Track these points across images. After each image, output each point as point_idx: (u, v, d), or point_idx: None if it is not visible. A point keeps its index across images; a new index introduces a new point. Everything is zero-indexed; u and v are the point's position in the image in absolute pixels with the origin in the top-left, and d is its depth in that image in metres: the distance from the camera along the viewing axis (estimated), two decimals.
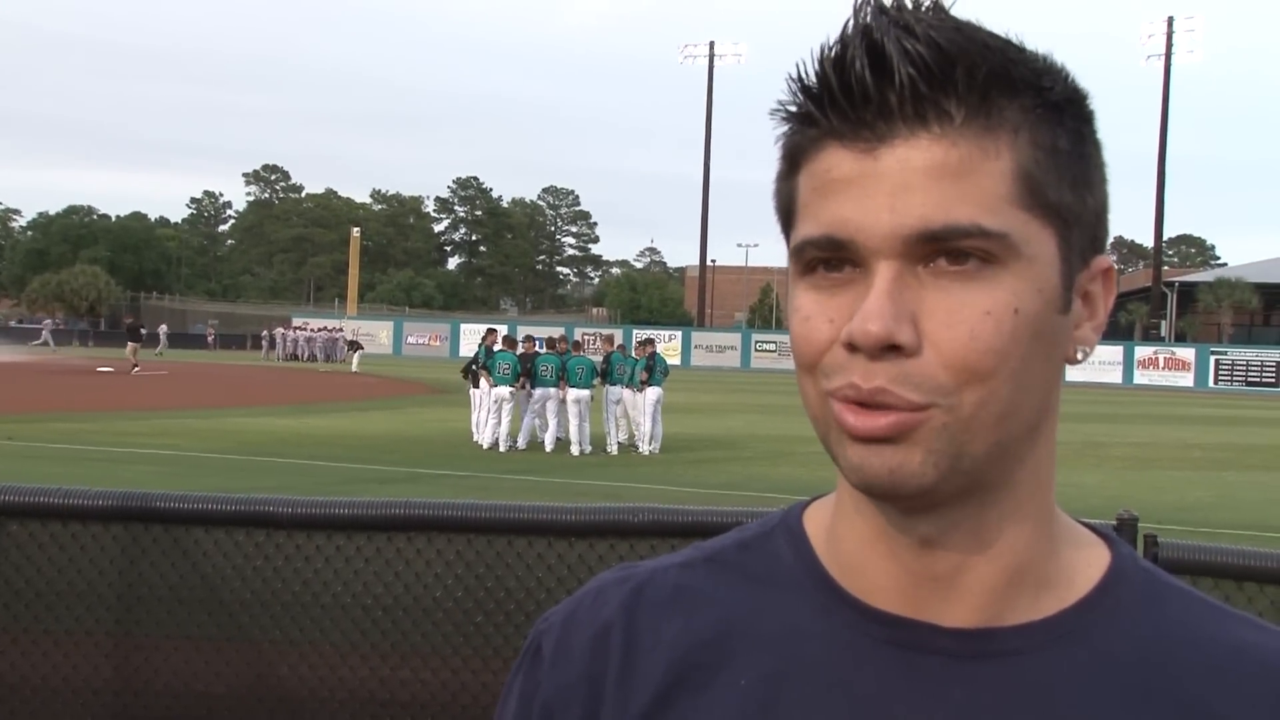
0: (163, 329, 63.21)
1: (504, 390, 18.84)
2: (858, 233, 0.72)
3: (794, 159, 0.77)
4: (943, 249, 0.71)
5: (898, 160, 0.72)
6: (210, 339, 75.32)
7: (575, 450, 18.92)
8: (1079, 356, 0.79)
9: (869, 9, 0.74)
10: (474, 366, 20.33)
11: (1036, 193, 0.73)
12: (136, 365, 40.64)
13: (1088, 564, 0.83)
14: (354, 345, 54.19)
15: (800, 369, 0.77)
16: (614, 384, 19.61)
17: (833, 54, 0.74)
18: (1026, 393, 0.74)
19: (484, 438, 19.16)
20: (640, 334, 38.32)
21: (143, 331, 44.93)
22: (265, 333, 67.88)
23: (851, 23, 0.74)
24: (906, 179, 0.71)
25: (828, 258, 0.74)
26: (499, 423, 19.01)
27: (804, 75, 0.75)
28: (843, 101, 0.73)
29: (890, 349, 0.71)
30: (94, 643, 2.95)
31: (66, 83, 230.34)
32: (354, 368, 49.18)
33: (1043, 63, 0.75)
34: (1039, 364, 0.75)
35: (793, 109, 0.77)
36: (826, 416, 0.75)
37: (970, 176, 0.71)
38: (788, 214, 0.79)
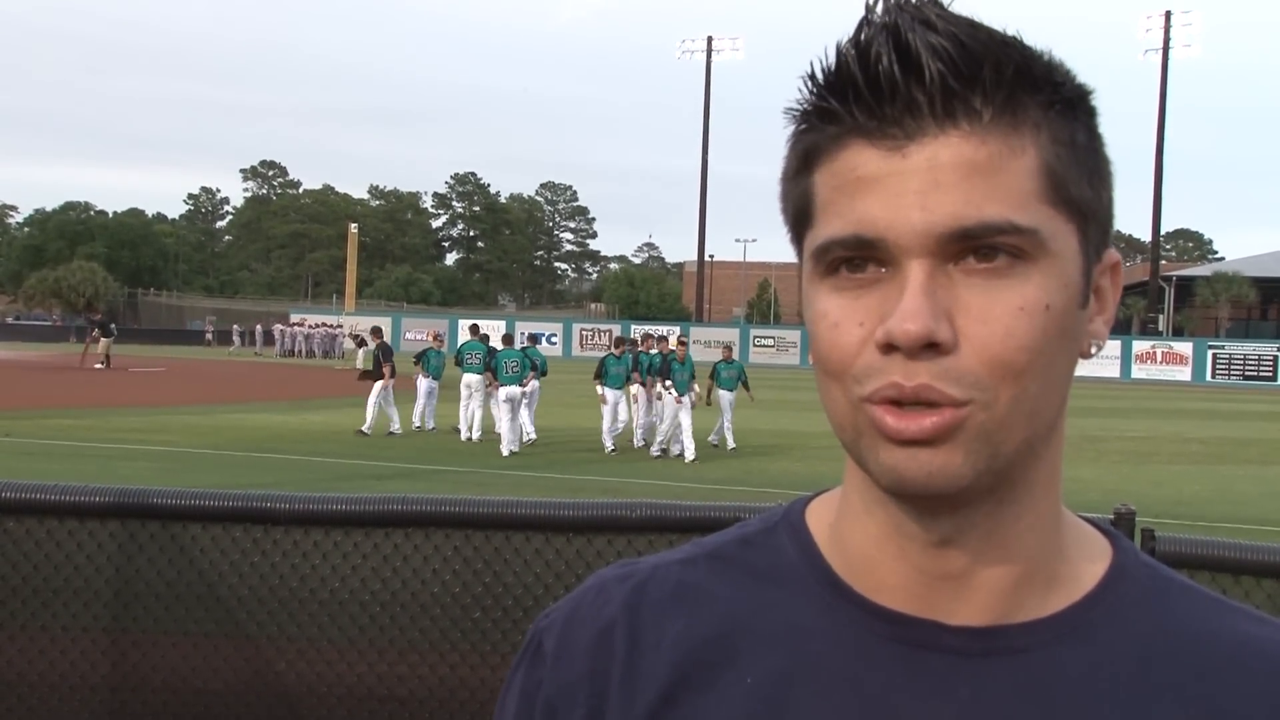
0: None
1: (514, 390, 18.31)
2: (888, 231, 0.71)
3: (809, 157, 0.76)
4: (973, 246, 0.71)
5: (927, 158, 0.71)
6: (209, 336, 75.25)
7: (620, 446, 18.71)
8: (1092, 350, 0.79)
9: (885, 4, 0.73)
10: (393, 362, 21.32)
11: (1060, 188, 0.73)
12: (101, 362, 39.98)
13: (1092, 560, 0.83)
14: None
15: (827, 376, 0.75)
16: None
17: (854, 50, 0.72)
18: (1053, 389, 0.75)
19: (504, 441, 18.43)
20: (638, 329, 38.34)
21: (113, 327, 44.39)
22: (229, 326, 68.88)
23: (869, 18, 0.73)
24: (937, 177, 0.71)
25: (852, 257, 0.73)
26: (509, 423, 18.27)
27: (822, 72, 0.74)
28: (869, 97, 0.72)
29: (929, 347, 0.70)
30: (90, 639, 2.94)
31: (63, 79, 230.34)
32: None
33: (1051, 59, 0.75)
34: (1063, 360, 0.75)
35: (810, 106, 0.75)
36: (857, 422, 0.74)
37: (999, 174, 0.71)
38: (802, 214, 0.77)
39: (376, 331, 22.45)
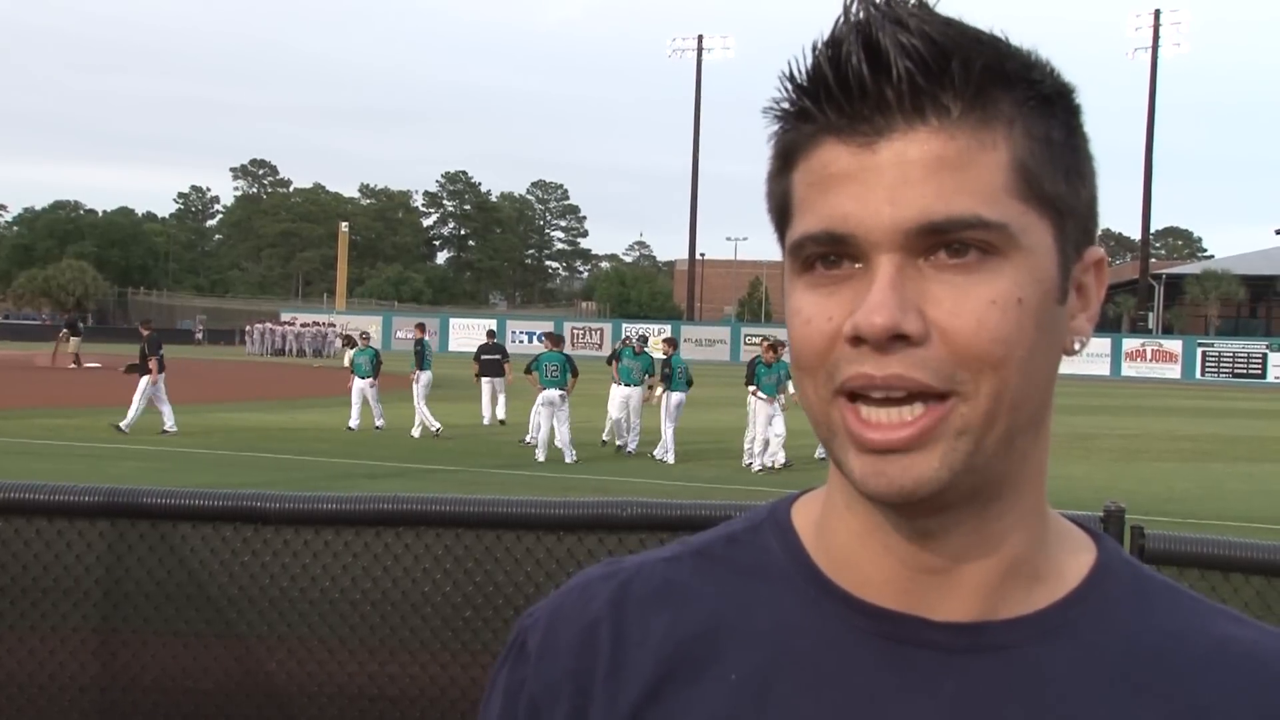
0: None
1: (554, 393, 17.57)
2: (858, 227, 0.72)
3: (788, 156, 0.77)
4: (943, 241, 0.72)
5: (896, 154, 0.72)
6: (199, 335, 75.11)
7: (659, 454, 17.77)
8: (1076, 347, 0.79)
9: (860, 4, 0.73)
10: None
11: (1033, 184, 0.73)
12: (74, 361, 39.79)
13: (1075, 559, 0.83)
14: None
15: (801, 371, 0.76)
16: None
17: (827, 49, 0.73)
18: (1033, 384, 0.75)
19: (539, 449, 17.61)
20: (631, 329, 38.44)
21: (80, 326, 44.12)
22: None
23: (844, 18, 0.74)
24: (905, 172, 0.71)
25: (826, 253, 0.74)
26: (548, 428, 17.48)
27: (798, 72, 0.75)
28: (839, 96, 0.73)
29: (897, 339, 0.71)
30: (80, 639, 2.93)
31: (52, 77, 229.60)
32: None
33: (1030, 56, 0.75)
34: (1042, 355, 0.75)
35: (787, 105, 0.76)
36: (830, 420, 0.75)
37: (968, 169, 0.72)
38: (783, 212, 0.78)
39: (146, 323, 21.63)
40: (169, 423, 19.42)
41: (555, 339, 19.23)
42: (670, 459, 17.53)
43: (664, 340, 20.01)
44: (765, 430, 16.75)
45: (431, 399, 21.13)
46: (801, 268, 0.76)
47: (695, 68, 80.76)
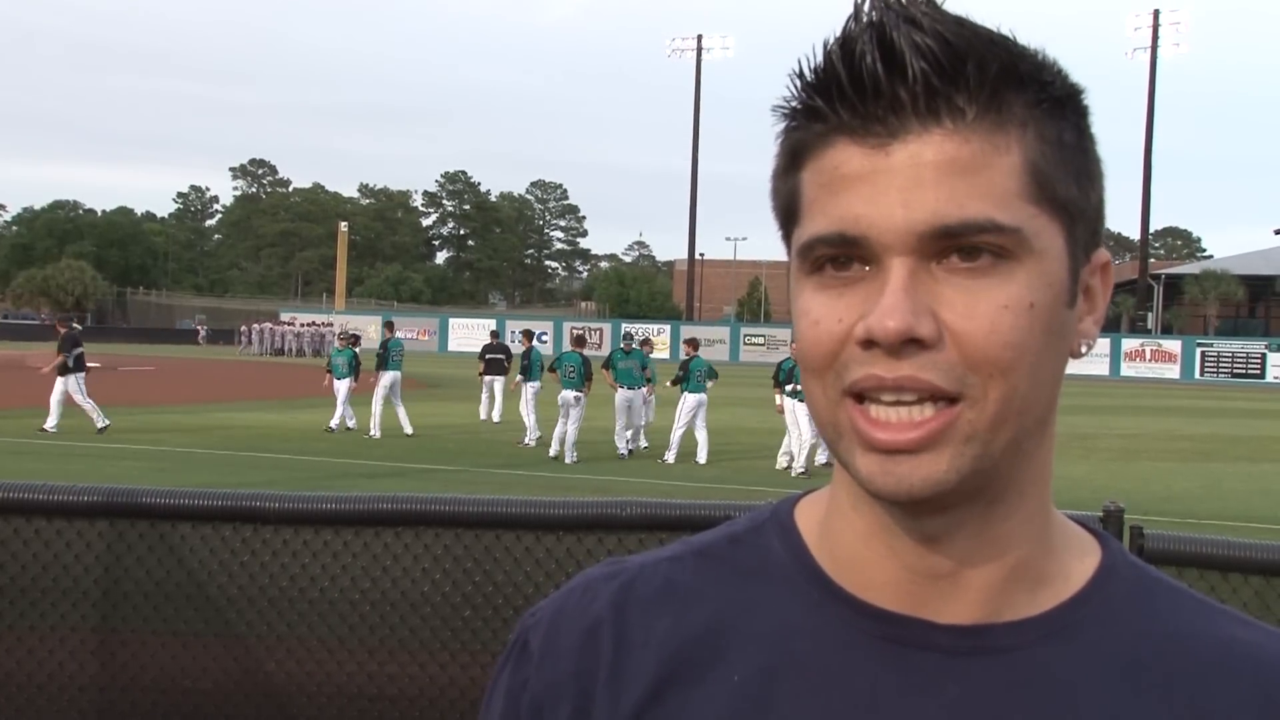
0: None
1: (569, 394, 17.56)
2: (870, 229, 0.71)
3: (797, 155, 0.76)
4: (956, 245, 0.71)
5: (910, 156, 0.71)
6: (201, 336, 75.10)
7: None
8: (1082, 350, 0.79)
9: (873, 2, 0.73)
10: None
11: (1045, 187, 0.73)
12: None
13: (1080, 560, 0.83)
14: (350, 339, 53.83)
15: (809, 373, 0.76)
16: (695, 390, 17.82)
17: (840, 48, 0.73)
18: (1041, 387, 0.74)
19: (553, 445, 17.82)
20: (627, 328, 38.49)
21: (75, 326, 43.98)
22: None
23: (856, 16, 0.73)
24: (919, 175, 0.71)
25: (836, 255, 0.73)
26: (563, 425, 17.52)
27: (809, 69, 0.74)
28: (853, 95, 0.72)
29: (910, 343, 0.70)
30: (79, 639, 2.93)
31: (51, 77, 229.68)
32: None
33: (1040, 57, 0.75)
34: (1050, 359, 0.75)
35: (797, 104, 0.75)
36: (838, 421, 0.74)
37: (982, 172, 0.71)
38: (789, 211, 0.78)
39: (64, 320, 21.37)
40: (51, 422, 18.93)
41: (581, 340, 19.18)
42: (670, 458, 17.51)
43: (686, 342, 19.94)
44: (809, 431, 15.91)
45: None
46: (810, 268, 0.75)
47: (695, 67, 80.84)
